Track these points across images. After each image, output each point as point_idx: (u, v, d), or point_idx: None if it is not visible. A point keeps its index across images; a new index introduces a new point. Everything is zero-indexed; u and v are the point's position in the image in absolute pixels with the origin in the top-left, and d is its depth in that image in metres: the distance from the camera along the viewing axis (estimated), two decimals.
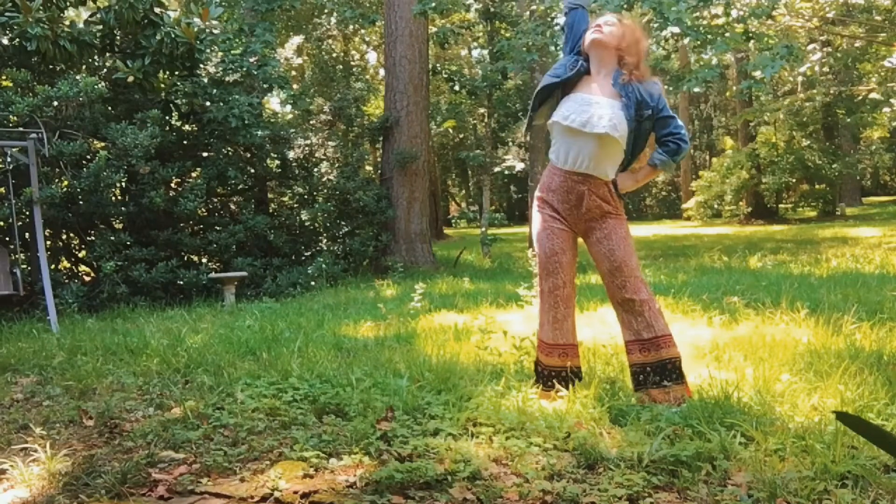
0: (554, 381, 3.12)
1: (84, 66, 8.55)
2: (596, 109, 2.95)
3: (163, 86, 8.75)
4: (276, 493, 2.23)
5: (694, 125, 32.82)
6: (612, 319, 4.47)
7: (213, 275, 8.12)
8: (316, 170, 10.87)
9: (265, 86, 10.30)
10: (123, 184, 8.11)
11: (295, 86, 16.96)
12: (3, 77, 7.67)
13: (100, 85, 7.84)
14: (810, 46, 16.18)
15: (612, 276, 3.04)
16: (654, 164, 3.04)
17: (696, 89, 10.40)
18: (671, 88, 10.22)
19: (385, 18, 12.17)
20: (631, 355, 3.06)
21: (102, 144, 7.93)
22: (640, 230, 20.37)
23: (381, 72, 19.84)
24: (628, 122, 2.93)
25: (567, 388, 3.06)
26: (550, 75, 3.15)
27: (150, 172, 7.90)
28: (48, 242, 7.82)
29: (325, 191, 10.70)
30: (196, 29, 8.10)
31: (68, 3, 7.90)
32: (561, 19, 11.34)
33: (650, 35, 10.01)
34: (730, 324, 4.68)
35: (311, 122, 12.29)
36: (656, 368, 2.99)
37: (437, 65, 17.03)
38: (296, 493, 2.24)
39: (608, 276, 3.06)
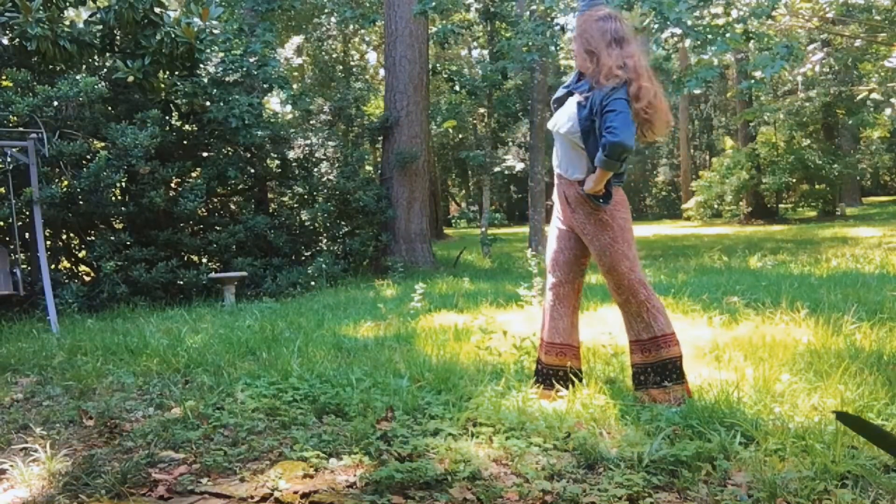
0: (552, 380, 3.13)
1: (84, 66, 8.54)
2: (565, 110, 3.06)
3: (163, 86, 8.74)
4: (276, 493, 2.23)
5: (694, 125, 32.83)
6: (612, 319, 4.48)
7: (213, 275, 8.12)
8: (316, 170, 10.86)
9: (265, 86, 10.29)
10: (123, 184, 8.12)
11: (295, 86, 16.94)
12: (3, 77, 7.67)
13: (100, 85, 7.84)
14: (810, 46, 16.16)
15: (607, 278, 3.09)
16: (596, 164, 2.87)
17: (696, 90, 10.38)
18: (671, 91, 10.18)
19: (385, 18, 12.17)
20: (633, 356, 3.07)
21: (102, 144, 7.94)
22: (640, 230, 20.32)
23: (381, 72, 19.84)
24: (580, 122, 2.95)
25: (567, 387, 3.07)
26: (563, 88, 3.23)
27: (150, 172, 7.90)
28: (48, 242, 7.81)
29: (325, 191, 10.70)
30: (196, 29, 8.10)
31: (68, 3, 7.90)
32: (561, 19, 11.36)
33: (650, 35, 10.00)
34: (730, 324, 4.67)
35: (311, 122, 12.27)
36: (657, 368, 2.99)
37: (437, 65, 17.01)
38: (296, 493, 2.24)
39: (604, 277, 3.11)
